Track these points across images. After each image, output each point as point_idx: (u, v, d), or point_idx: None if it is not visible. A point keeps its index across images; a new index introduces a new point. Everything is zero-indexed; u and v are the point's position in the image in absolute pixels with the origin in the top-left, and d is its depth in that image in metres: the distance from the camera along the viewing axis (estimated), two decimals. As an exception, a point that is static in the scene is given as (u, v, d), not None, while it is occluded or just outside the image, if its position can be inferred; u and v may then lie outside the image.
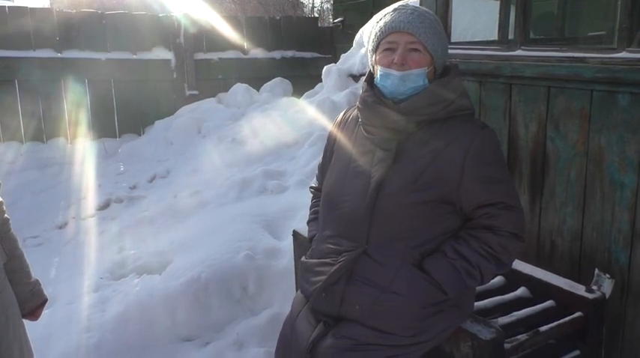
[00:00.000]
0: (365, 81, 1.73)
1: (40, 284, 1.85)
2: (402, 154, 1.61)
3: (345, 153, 1.74)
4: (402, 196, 1.57)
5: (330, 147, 1.86)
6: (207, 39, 6.82)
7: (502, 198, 1.59)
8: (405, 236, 1.59)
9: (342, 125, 1.83)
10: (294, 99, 6.13)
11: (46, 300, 1.87)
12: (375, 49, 1.68)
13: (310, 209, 1.99)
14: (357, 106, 1.74)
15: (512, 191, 1.66)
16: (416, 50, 1.61)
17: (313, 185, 2.02)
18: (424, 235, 1.60)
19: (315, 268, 1.69)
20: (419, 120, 1.61)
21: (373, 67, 1.71)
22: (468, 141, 1.58)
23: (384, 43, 1.64)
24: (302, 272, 1.77)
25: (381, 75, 1.64)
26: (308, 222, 1.96)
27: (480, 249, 1.58)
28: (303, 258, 1.81)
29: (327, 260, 1.66)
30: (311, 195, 2.03)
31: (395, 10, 1.66)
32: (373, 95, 1.66)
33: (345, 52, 6.02)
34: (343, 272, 1.61)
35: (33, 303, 1.82)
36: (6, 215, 1.75)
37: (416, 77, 1.61)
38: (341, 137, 1.80)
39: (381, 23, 1.65)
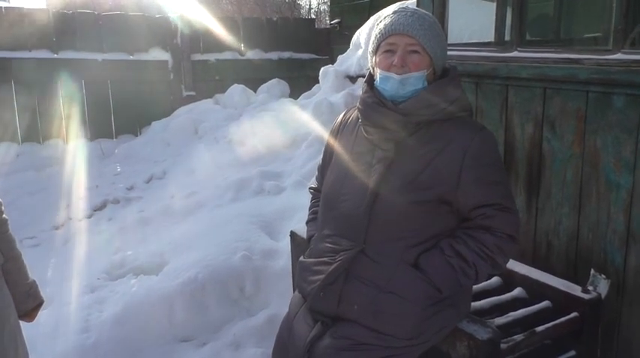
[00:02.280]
0: (365, 82, 1.74)
1: (36, 286, 1.83)
2: (401, 155, 1.62)
3: (345, 153, 1.75)
4: (401, 196, 1.58)
5: (330, 147, 1.87)
6: (204, 40, 6.82)
7: (499, 200, 1.60)
8: (402, 236, 1.59)
9: (342, 126, 1.85)
10: (291, 100, 6.13)
11: (42, 302, 1.86)
12: (375, 51, 1.69)
13: (309, 209, 1.99)
14: (357, 107, 1.74)
15: (509, 193, 1.67)
16: (415, 52, 1.62)
17: (313, 185, 2.03)
18: (422, 235, 1.60)
19: (312, 267, 1.70)
20: (418, 121, 1.62)
21: (373, 69, 1.72)
22: (466, 142, 1.59)
23: (384, 45, 1.65)
24: (300, 272, 1.77)
25: (381, 78, 1.65)
26: (307, 223, 1.97)
27: (476, 248, 1.59)
28: (301, 258, 1.81)
29: (325, 259, 1.66)
30: (310, 195, 2.03)
31: (395, 12, 1.66)
32: (373, 96, 1.67)
33: (342, 54, 6.02)
34: (340, 271, 1.61)
35: (29, 305, 1.80)
36: (4, 215, 1.74)
37: (415, 80, 1.62)
38: (341, 137, 1.82)
39: (381, 25, 1.66)
